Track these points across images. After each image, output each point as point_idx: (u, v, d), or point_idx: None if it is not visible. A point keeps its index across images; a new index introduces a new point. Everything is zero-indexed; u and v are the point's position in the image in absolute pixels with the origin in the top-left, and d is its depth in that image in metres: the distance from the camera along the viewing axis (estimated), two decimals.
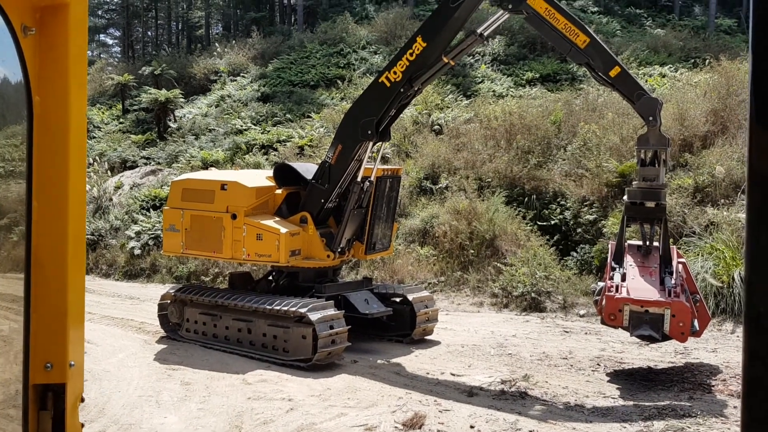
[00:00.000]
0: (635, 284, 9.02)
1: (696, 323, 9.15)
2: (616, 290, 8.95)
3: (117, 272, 19.63)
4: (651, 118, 9.21)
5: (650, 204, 9.39)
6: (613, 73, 9.40)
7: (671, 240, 10.66)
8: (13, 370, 1.92)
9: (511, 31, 27.57)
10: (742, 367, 1.24)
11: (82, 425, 2.01)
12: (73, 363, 1.95)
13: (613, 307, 8.77)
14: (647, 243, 9.56)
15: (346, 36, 31.07)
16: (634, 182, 9.76)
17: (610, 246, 10.22)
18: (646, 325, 8.67)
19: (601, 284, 9.91)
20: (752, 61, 1.22)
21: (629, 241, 9.94)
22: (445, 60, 10.27)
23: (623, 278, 9.20)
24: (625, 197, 9.79)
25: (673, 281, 9.02)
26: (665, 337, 8.92)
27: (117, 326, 13.25)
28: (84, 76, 1.97)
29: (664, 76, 22.38)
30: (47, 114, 1.88)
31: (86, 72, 2.01)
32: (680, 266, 9.60)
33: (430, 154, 19.13)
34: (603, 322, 9.59)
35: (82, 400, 2.03)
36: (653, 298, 8.72)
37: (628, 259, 9.51)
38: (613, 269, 9.53)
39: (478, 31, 10.23)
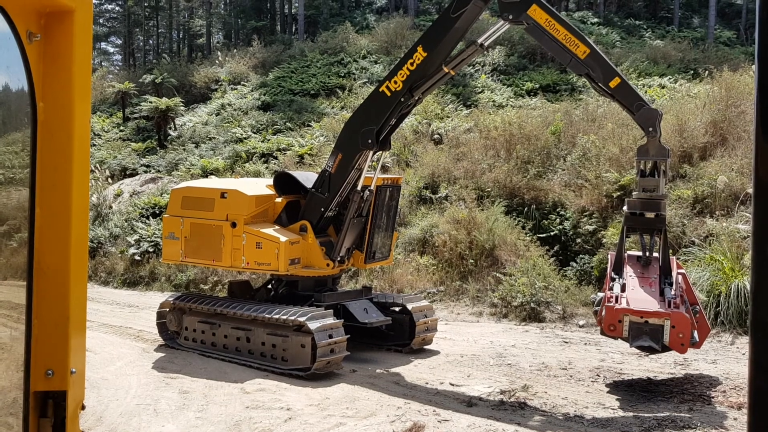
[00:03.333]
0: (635, 295, 9.01)
1: (696, 334, 9.14)
2: (616, 301, 8.93)
3: (116, 280, 19.61)
4: (651, 129, 9.22)
5: (650, 214, 9.40)
6: (613, 83, 9.42)
7: (671, 251, 10.66)
8: (14, 377, 1.90)
9: (511, 41, 27.68)
10: (748, 377, 1.23)
11: None
12: (74, 370, 1.93)
13: (613, 317, 8.75)
14: (647, 254, 9.56)
15: (347, 45, 31.17)
16: (633, 193, 9.77)
17: (609, 256, 10.22)
18: (646, 335, 8.65)
19: (600, 295, 9.90)
20: (758, 74, 1.22)
21: (629, 252, 9.94)
22: (446, 70, 10.30)
23: (623, 289, 9.19)
24: (624, 208, 9.79)
25: (672, 292, 9.00)
26: (665, 348, 8.90)
27: (115, 334, 13.22)
28: (88, 83, 1.96)
29: (663, 87, 22.45)
30: (51, 120, 1.87)
31: (90, 79, 2.00)
32: (680, 277, 9.58)
33: (429, 164, 19.15)
34: (602, 333, 9.56)
35: (83, 407, 2.01)
36: (653, 309, 8.70)
37: (628, 270, 9.49)
38: (613, 280, 9.51)
39: (479, 41, 10.26)
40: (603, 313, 9.01)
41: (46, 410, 1.89)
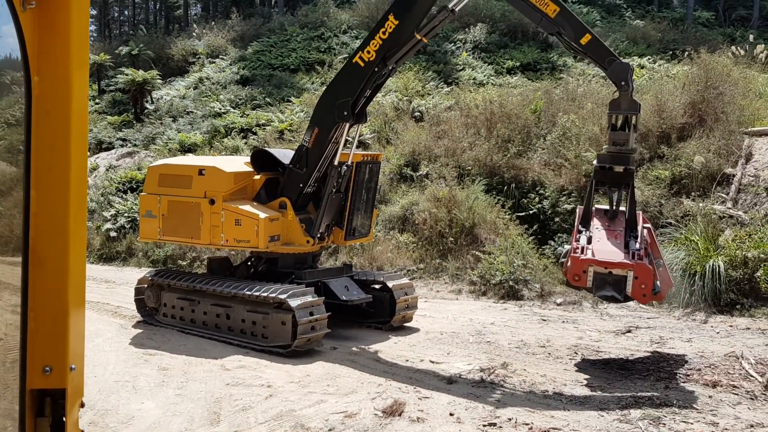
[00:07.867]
0: (600, 246, 9.16)
1: (658, 284, 9.26)
2: (582, 252, 9.07)
3: (92, 255, 19.37)
4: (623, 83, 9.29)
5: (618, 169, 9.48)
6: (584, 40, 9.46)
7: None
8: (8, 375, 1.79)
9: (493, 18, 27.55)
10: None
11: None
12: (73, 367, 1.80)
13: (578, 268, 8.90)
14: (614, 207, 9.70)
15: (327, 20, 30.80)
16: (604, 147, 9.86)
17: (578, 210, 10.34)
18: (609, 286, 8.83)
19: (567, 247, 10.05)
20: None
21: (597, 206, 10.07)
22: (418, 37, 10.21)
23: (589, 241, 9.33)
24: (594, 162, 9.88)
25: (637, 245, 9.17)
26: (627, 299, 9.12)
27: (92, 310, 13.08)
28: (86, 55, 1.81)
29: (642, 68, 22.52)
30: (47, 95, 1.73)
31: (88, 50, 1.85)
32: (645, 231, 9.74)
33: (410, 141, 19.09)
34: (567, 284, 9.73)
35: (82, 405, 1.89)
36: (617, 260, 8.85)
37: (595, 223, 9.64)
38: (580, 232, 9.64)
39: (450, 6, 10.20)
40: (569, 263, 9.15)
41: (43, 409, 1.76)
